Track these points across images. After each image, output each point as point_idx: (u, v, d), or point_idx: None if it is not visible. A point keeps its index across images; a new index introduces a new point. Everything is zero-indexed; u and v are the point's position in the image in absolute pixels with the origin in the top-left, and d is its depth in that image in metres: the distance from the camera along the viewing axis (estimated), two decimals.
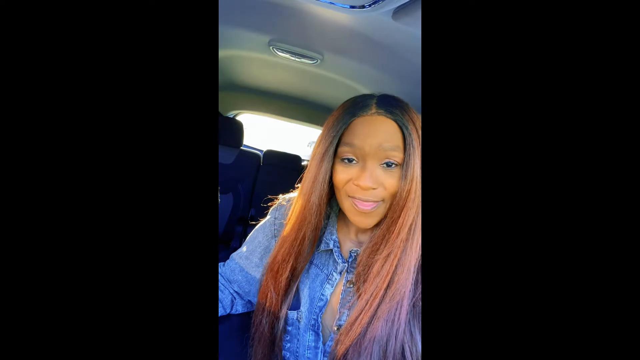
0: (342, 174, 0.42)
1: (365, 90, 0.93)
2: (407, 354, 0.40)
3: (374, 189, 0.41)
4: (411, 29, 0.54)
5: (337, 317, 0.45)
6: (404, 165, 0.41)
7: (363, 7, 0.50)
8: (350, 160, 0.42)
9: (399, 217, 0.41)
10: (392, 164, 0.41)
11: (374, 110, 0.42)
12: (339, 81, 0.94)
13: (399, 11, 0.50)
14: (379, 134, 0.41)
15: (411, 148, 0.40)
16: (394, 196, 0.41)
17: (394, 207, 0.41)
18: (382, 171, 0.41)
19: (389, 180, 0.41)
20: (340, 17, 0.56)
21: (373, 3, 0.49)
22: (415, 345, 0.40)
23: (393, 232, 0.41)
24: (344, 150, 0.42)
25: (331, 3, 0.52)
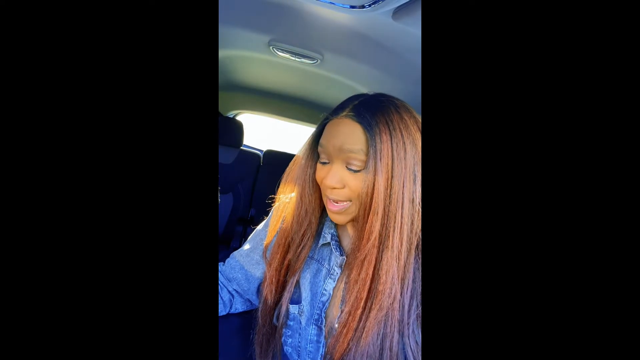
0: (318, 173, 0.45)
1: (366, 90, 0.93)
2: None
3: (338, 188, 0.42)
4: (411, 29, 0.54)
5: (338, 314, 0.45)
6: (365, 168, 0.40)
7: (363, 7, 0.50)
8: (324, 163, 0.44)
9: (366, 222, 0.41)
10: (353, 167, 0.41)
11: (345, 113, 0.43)
12: (339, 81, 0.94)
13: (399, 11, 0.50)
14: (340, 136, 0.41)
15: (373, 151, 0.39)
16: (360, 197, 0.42)
17: (360, 211, 0.42)
18: (348, 172, 0.42)
19: (353, 182, 0.41)
20: (340, 17, 0.57)
21: (373, 3, 0.49)
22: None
23: (363, 238, 0.41)
24: (320, 152, 0.44)
25: (331, 3, 0.52)
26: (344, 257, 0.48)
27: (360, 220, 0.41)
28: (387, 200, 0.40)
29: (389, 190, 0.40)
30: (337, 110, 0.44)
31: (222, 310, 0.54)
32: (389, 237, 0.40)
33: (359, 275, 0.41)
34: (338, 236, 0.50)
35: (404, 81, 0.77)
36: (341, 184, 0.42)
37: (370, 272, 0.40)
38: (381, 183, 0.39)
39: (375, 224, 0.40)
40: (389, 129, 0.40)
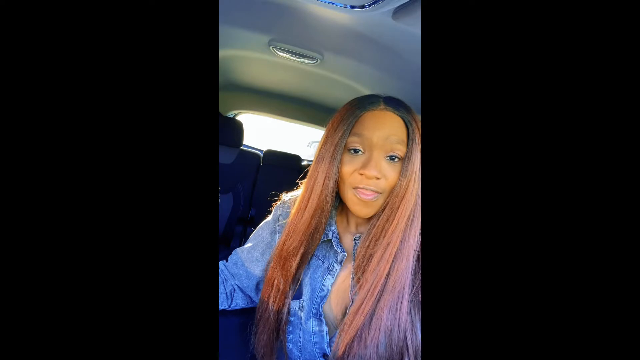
0: (349, 164, 0.45)
1: (366, 90, 0.93)
2: (409, 341, 0.42)
3: (377, 178, 0.43)
4: (411, 29, 0.54)
5: (349, 304, 0.46)
6: (405, 159, 0.43)
7: (363, 7, 0.50)
8: (356, 151, 0.45)
9: (398, 208, 0.43)
10: (396, 157, 0.44)
11: (382, 107, 0.45)
12: (339, 81, 0.94)
13: (399, 11, 0.50)
14: (386, 127, 0.44)
15: (414, 144, 0.43)
16: (392, 188, 0.44)
17: (393, 199, 0.43)
18: (386, 163, 0.44)
19: (391, 173, 0.43)
20: (340, 17, 0.56)
21: (373, 3, 0.49)
22: (416, 333, 0.42)
23: (392, 223, 0.43)
24: (352, 141, 0.45)
25: (331, 3, 0.52)
26: (345, 253, 0.49)
27: (393, 207, 0.43)
28: (418, 190, 0.43)
29: (419, 180, 0.43)
30: (370, 104, 0.46)
31: (223, 302, 0.55)
32: (413, 222, 0.43)
33: (381, 256, 0.43)
34: (339, 233, 0.51)
35: (404, 81, 0.77)
36: (381, 174, 0.43)
37: (394, 254, 0.42)
38: (417, 173, 0.43)
39: (406, 212, 0.43)
40: (418, 126, 0.45)
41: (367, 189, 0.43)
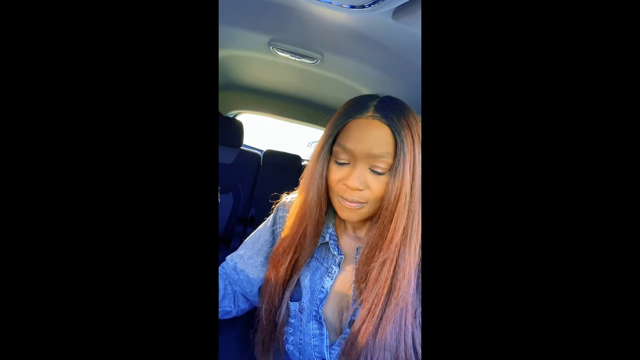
0: (334, 174, 0.44)
1: (366, 90, 0.93)
2: (419, 357, 0.41)
3: (360, 190, 0.42)
4: (411, 29, 0.54)
5: (351, 312, 0.46)
6: (392, 170, 0.41)
7: (363, 7, 0.50)
8: (343, 163, 0.43)
9: (390, 222, 0.41)
10: (380, 168, 0.41)
11: (370, 114, 0.42)
12: (339, 81, 0.94)
13: (399, 11, 0.50)
14: (369, 139, 0.41)
15: (402, 154, 0.40)
16: (380, 200, 0.42)
17: (384, 212, 0.42)
18: (370, 174, 0.42)
19: (375, 184, 0.42)
20: (340, 17, 0.57)
21: (373, 3, 0.49)
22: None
23: (386, 238, 0.42)
24: (337, 152, 0.43)
25: (331, 3, 0.52)
26: (342, 256, 0.49)
27: (385, 221, 0.42)
28: (411, 202, 0.41)
29: (411, 192, 0.41)
30: (359, 110, 0.43)
31: (231, 310, 0.55)
32: (410, 236, 0.41)
33: (379, 274, 0.42)
34: (336, 236, 0.51)
35: (404, 81, 0.77)
36: (364, 185, 0.42)
37: (392, 270, 0.41)
38: (407, 186, 0.40)
39: (400, 225, 0.41)
40: (411, 132, 0.41)
41: (349, 200, 0.43)
